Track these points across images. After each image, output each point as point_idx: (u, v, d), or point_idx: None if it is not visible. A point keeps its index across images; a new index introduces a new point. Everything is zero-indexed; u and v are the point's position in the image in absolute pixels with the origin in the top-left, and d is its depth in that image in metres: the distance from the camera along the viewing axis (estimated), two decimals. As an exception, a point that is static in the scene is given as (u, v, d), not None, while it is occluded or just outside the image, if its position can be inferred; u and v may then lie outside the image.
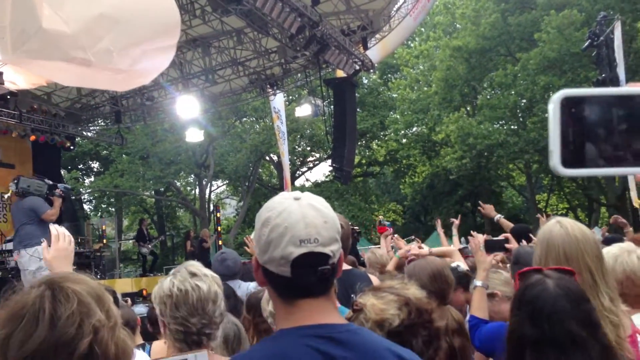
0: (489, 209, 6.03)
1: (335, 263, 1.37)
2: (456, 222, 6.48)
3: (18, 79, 5.20)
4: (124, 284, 14.19)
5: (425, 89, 29.26)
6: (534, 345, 1.71)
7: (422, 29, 31.53)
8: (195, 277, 2.16)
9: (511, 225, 5.72)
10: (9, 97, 12.66)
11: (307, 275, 1.32)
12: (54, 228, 2.35)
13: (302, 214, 1.33)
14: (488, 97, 27.51)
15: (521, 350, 1.74)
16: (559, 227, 2.29)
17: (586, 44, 14.11)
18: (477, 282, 3.17)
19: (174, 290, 2.12)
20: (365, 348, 1.33)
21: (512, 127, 26.32)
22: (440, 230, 6.85)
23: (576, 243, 2.22)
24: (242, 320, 3.11)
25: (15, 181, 7.80)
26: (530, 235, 4.38)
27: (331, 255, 1.34)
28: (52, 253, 2.25)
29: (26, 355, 1.32)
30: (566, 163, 0.66)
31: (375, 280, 3.64)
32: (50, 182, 8.33)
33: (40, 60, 3.73)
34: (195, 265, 2.23)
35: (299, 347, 1.29)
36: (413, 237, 9.29)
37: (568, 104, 0.65)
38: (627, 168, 0.65)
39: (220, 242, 20.28)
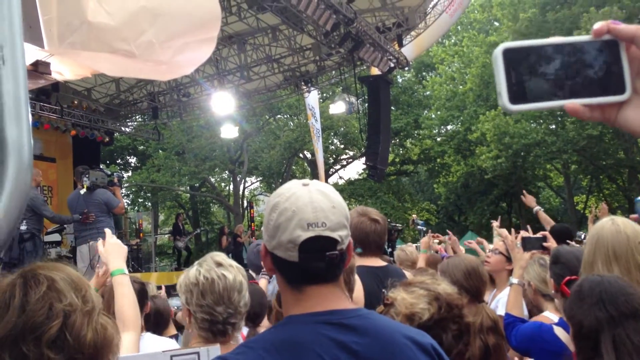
0: (530, 199, 5.97)
1: (344, 250, 1.36)
2: (496, 223, 6.34)
3: (64, 70, 5.34)
4: (160, 278, 14.44)
5: (461, 87, 28.91)
6: (610, 324, 1.77)
7: (458, 27, 31.17)
8: (221, 266, 2.17)
9: (549, 219, 5.60)
10: (51, 92, 12.99)
11: (315, 261, 1.31)
12: (108, 231, 2.64)
13: (310, 198, 1.32)
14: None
15: (595, 337, 1.79)
16: (611, 224, 2.27)
17: (628, 41, 13.70)
18: (514, 280, 3.13)
19: (200, 278, 2.14)
20: (377, 332, 1.32)
21: (550, 126, 25.79)
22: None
23: (626, 241, 2.20)
24: (272, 312, 3.14)
25: (87, 175, 7.96)
26: (574, 236, 4.29)
27: (339, 241, 1.33)
28: (106, 247, 2.53)
29: None
30: (513, 101, 0.81)
31: (410, 276, 3.62)
32: (109, 172, 8.60)
33: (86, 52, 3.83)
34: (220, 256, 2.25)
35: (309, 335, 1.27)
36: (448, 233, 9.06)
37: (508, 54, 0.81)
38: (561, 101, 0.81)
39: (254, 238, 20.45)
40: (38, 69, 5.03)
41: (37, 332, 1.31)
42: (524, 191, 6.50)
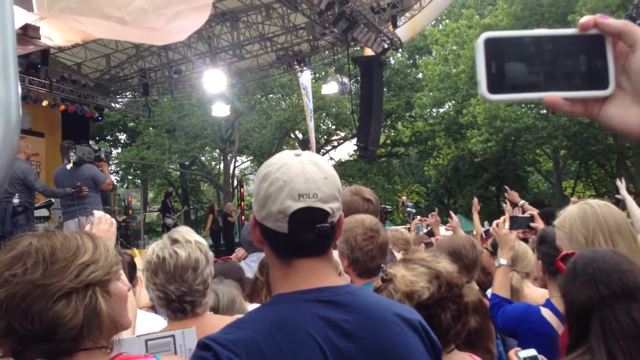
0: (513, 195, 6.02)
1: (335, 222, 1.33)
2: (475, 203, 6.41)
3: (54, 35, 5.22)
4: (148, 255, 14.42)
5: (454, 70, 28.82)
6: (600, 304, 1.70)
7: (455, 9, 30.98)
8: (176, 243, 2.11)
9: (535, 210, 5.66)
10: (39, 66, 12.81)
11: (305, 233, 1.28)
12: (97, 212, 2.40)
13: (302, 168, 1.29)
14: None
15: (586, 317, 1.71)
16: (597, 203, 2.31)
17: (622, 27, 13.68)
18: (502, 261, 3.13)
19: (152, 257, 2.11)
20: (365, 309, 1.31)
21: (542, 111, 25.83)
22: (475, 210, 6.72)
23: (624, 219, 2.27)
24: (255, 281, 3.15)
25: (74, 150, 7.91)
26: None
27: (330, 213, 1.30)
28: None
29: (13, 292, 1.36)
30: (491, 90, 0.80)
31: (399, 257, 3.65)
32: (96, 147, 8.57)
33: (77, 16, 3.76)
34: (180, 232, 2.19)
35: (300, 314, 1.26)
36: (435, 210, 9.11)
37: (490, 43, 0.81)
38: (540, 93, 0.80)
39: (243, 217, 20.44)
40: (27, 32, 4.84)
41: (58, 292, 1.40)
42: (506, 187, 6.55)
